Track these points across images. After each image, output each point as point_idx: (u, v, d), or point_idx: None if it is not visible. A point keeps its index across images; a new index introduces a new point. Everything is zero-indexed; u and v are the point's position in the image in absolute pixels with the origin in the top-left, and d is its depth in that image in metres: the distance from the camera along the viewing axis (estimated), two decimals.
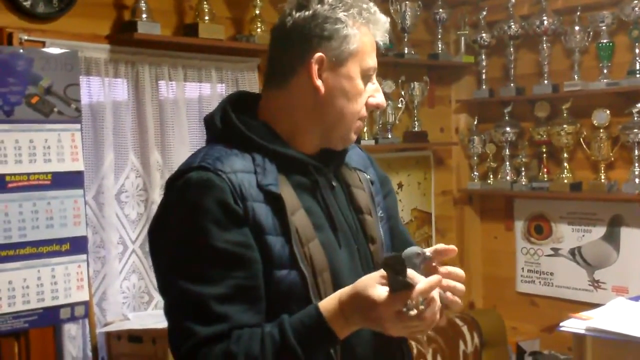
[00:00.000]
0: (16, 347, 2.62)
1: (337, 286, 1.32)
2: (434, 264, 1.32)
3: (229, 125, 1.39)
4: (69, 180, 2.67)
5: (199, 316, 1.26)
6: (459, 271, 1.34)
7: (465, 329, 3.81)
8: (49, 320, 2.64)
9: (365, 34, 1.39)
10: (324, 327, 1.24)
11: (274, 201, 1.32)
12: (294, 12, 1.38)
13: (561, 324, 1.61)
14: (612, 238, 3.70)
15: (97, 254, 2.91)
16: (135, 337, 2.75)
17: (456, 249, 1.34)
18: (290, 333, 1.24)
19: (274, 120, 1.41)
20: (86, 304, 2.72)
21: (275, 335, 1.24)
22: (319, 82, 1.36)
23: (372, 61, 1.41)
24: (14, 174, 2.54)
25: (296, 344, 1.23)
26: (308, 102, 1.38)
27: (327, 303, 1.26)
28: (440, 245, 1.34)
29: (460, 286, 1.32)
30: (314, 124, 1.41)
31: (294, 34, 1.37)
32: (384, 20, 1.42)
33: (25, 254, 2.56)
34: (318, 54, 1.35)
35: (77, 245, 2.69)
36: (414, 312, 1.20)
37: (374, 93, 1.43)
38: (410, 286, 1.20)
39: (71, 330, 2.79)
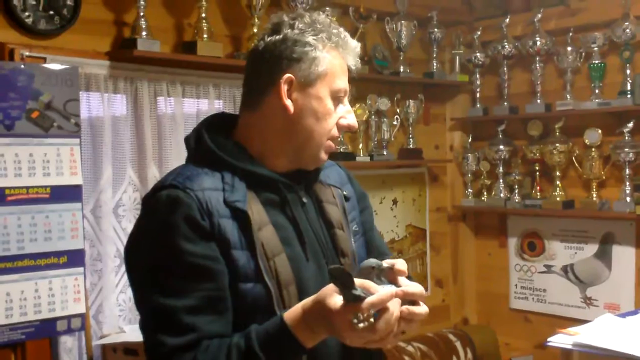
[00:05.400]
0: (13, 358, 2.63)
1: (303, 299, 1.35)
2: (399, 276, 1.33)
3: (202, 145, 1.44)
4: (67, 193, 2.70)
5: (169, 328, 1.31)
6: (416, 288, 1.32)
7: (458, 344, 3.83)
8: (46, 332, 2.66)
9: (335, 57, 1.44)
10: (288, 335, 1.27)
11: (240, 217, 1.36)
12: (266, 37, 1.45)
13: (549, 339, 1.65)
14: (604, 256, 3.73)
15: (94, 266, 2.93)
16: (130, 349, 2.76)
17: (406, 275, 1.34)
18: (255, 342, 1.28)
19: (247, 140, 1.46)
20: (83, 317, 2.74)
21: (242, 344, 1.29)
22: (288, 102, 1.41)
23: (342, 83, 1.45)
24: (13, 187, 2.57)
25: (261, 353, 1.27)
26: (278, 121, 1.43)
27: (292, 312, 1.30)
28: (398, 264, 1.34)
29: (419, 310, 1.30)
30: (285, 144, 1.45)
31: (265, 57, 1.43)
32: (354, 45, 1.47)
33: (23, 266, 2.59)
34: (287, 75, 1.41)
35: (75, 258, 2.71)
36: (362, 324, 1.21)
37: (345, 114, 1.47)
38: (359, 298, 1.20)
39: (67, 343, 2.81)
